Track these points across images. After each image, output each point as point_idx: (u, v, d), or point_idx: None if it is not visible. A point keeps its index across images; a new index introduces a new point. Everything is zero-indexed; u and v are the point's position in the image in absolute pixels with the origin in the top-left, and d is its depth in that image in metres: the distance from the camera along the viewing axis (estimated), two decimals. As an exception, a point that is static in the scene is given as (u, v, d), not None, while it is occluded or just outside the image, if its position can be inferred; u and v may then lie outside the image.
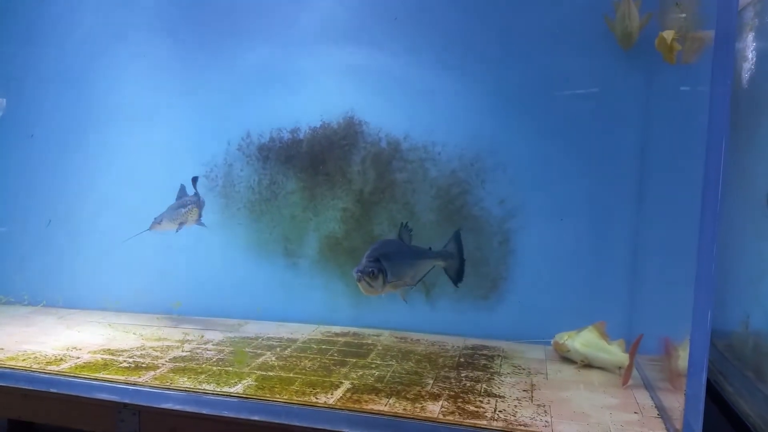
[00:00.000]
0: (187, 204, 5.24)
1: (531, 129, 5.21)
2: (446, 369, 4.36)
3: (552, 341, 4.85)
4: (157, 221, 5.23)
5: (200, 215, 5.32)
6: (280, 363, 4.35)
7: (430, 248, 4.56)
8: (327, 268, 5.61)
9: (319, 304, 5.59)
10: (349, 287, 5.57)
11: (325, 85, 5.58)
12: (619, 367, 4.28)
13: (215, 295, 5.80)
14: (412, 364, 4.45)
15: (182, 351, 4.64)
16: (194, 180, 5.35)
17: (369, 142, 5.50)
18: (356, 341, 5.05)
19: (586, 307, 5.04)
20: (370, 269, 3.41)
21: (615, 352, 4.31)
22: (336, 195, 5.55)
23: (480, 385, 4.01)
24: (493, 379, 4.16)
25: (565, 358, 4.65)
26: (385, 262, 3.73)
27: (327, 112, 5.57)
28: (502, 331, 5.22)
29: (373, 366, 4.36)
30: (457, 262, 4.59)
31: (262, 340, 5.01)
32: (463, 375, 4.22)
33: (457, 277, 4.63)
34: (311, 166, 5.60)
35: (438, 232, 5.38)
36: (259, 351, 4.66)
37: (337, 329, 5.40)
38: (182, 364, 4.29)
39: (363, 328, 5.45)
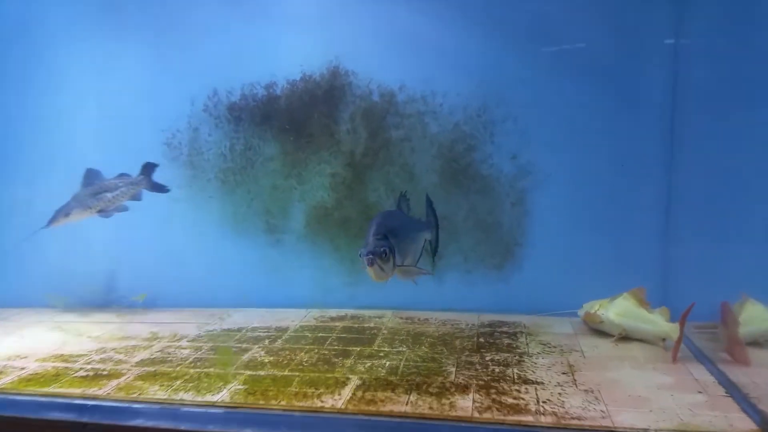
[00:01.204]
0: (111, 188, 4.50)
1: (545, 72, 4.67)
2: (467, 352, 3.87)
3: (580, 312, 4.40)
4: (64, 213, 4.37)
5: (135, 196, 4.59)
6: (272, 358, 3.80)
7: (424, 219, 4.01)
8: (316, 243, 5.04)
9: (310, 284, 5.04)
10: (342, 264, 5.03)
11: (305, 30, 4.92)
12: (664, 339, 3.84)
13: (187, 282, 5.19)
14: (426, 349, 3.95)
15: (151, 351, 4.04)
16: (149, 167, 4.61)
17: (358, 96, 4.89)
18: (356, 325, 4.52)
19: (613, 273, 4.61)
20: (383, 249, 2.85)
21: (658, 322, 3.87)
22: (323, 159, 4.95)
23: (511, 369, 3.53)
24: (524, 361, 3.69)
25: (598, 330, 4.21)
26: (393, 239, 3.17)
27: (308, 63, 4.93)
28: (521, 304, 4.76)
29: (382, 354, 3.84)
30: (434, 233, 4.03)
31: (247, 331, 4.43)
32: (488, 359, 3.74)
33: (433, 250, 4.05)
34: (292, 127, 4.98)
35: (441, 197, 4.85)
36: (244, 345, 4.09)
37: (332, 312, 4.86)
38: (152, 368, 3.70)
39: (361, 309, 4.93)
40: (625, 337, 4.04)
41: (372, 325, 4.55)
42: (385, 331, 4.37)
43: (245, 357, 3.83)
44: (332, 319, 4.72)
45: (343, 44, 4.85)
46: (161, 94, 5.09)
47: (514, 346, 3.99)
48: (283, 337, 4.24)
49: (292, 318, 4.71)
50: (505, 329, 4.39)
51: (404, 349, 3.94)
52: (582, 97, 4.56)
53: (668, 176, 4.47)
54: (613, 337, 4.06)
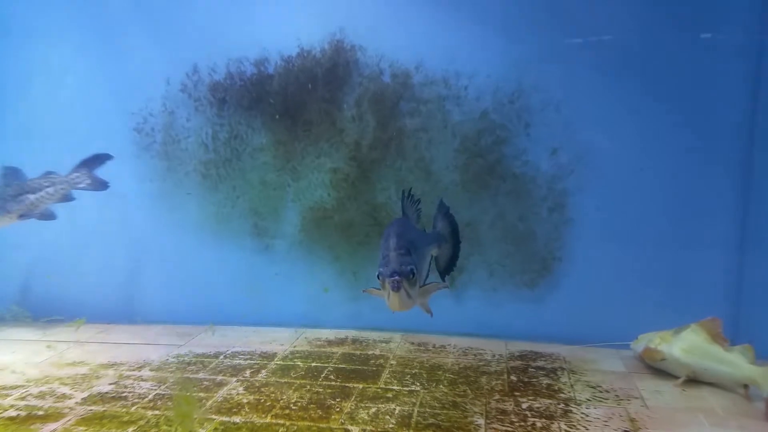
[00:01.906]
0: (34, 190, 3.80)
1: (595, 53, 3.95)
2: (497, 396, 3.17)
3: (634, 345, 3.70)
4: None
5: (65, 197, 3.90)
6: (252, 398, 3.10)
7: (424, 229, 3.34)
8: (313, 251, 4.36)
9: (304, 300, 4.37)
10: (343, 276, 4.35)
11: (303, -5, 4.24)
12: (746, 386, 3.12)
13: (158, 294, 4.51)
14: (445, 389, 3.25)
15: (105, 383, 3.35)
16: (92, 161, 3.92)
17: (366, 76, 4.20)
18: (359, 352, 3.83)
19: (674, 298, 3.95)
20: (410, 268, 2.47)
21: (739, 364, 3.17)
22: (322, 151, 4.26)
23: (557, 425, 2.83)
24: (571, 411, 2.98)
25: (656, 369, 3.50)
26: (415, 256, 2.65)
27: (306, 35, 4.26)
28: (558, 332, 4.08)
29: (390, 395, 3.14)
30: (450, 247, 3.40)
31: (225, 357, 3.74)
32: (524, 406, 3.03)
33: (448, 268, 3.43)
34: (287, 112, 4.28)
35: (464, 199, 4.16)
36: (219, 378, 3.40)
37: (329, 334, 4.17)
38: (101, 408, 3.02)
39: (365, 331, 4.25)
40: (692, 379, 3.32)
41: (377, 352, 3.86)
42: (393, 362, 3.67)
43: (219, 395, 3.14)
44: (329, 342, 4.02)
45: (348, 13, 4.17)
46: (131, 71, 4.43)
47: (556, 388, 3.28)
48: (269, 367, 3.55)
49: (282, 340, 4.02)
50: (540, 363, 3.68)
51: (418, 389, 3.25)
52: (644, 82, 3.84)
53: (748, 181, 3.74)
54: (678, 379, 3.35)
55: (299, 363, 3.63)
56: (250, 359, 3.70)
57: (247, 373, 3.46)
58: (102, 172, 3.96)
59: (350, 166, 4.27)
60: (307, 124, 4.28)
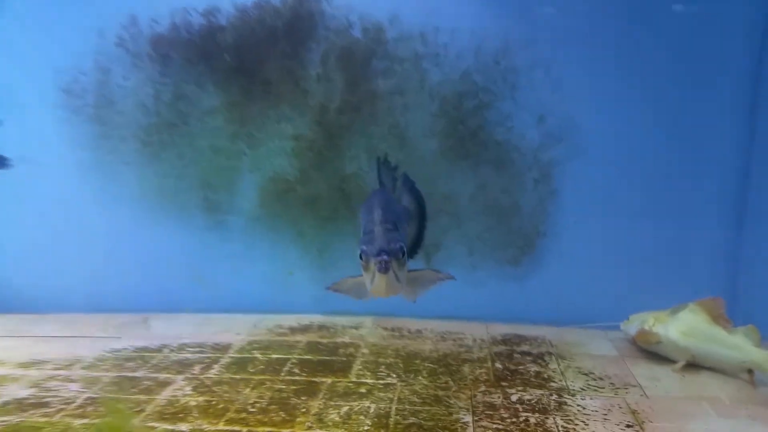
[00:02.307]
0: None
1: (589, 6, 3.64)
2: (483, 387, 2.91)
3: (624, 326, 3.49)
4: None
5: None
6: (202, 399, 2.75)
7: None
8: (274, 228, 4.00)
9: (263, 283, 4.02)
10: (308, 254, 3.99)
11: (260, -67, 3.78)
12: (750, 371, 2.93)
13: (94, 279, 4.06)
14: (425, 381, 2.96)
15: (24, 386, 2.93)
16: None
17: (333, 30, 3.81)
18: (326, 340, 3.50)
19: (668, 276, 3.77)
20: (399, 246, 2.18)
21: (743, 347, 2.99)
22: (283, 115, 3.88)
23: (552, 420, 2.58)
24: (566, 403, 2.74)
25: (649, 351, 3.28)
26: (402, 232, 2.38)
27: (264, -19, 3.78)
28: (542, 312, 3.87)
29: (364, 390, 2.84)
30: (415, 227, 3.01)
31: (171, 350, 3.36)
32: (514, 398, 2.77)
33: (411, 251, 2.96)
34: (241, 70, 3.84)
35: (442, 169, 3.84)
36: (163, 376, 3.02)
37: (292, 320, 3.83)
38: (16, 418, 2.59)
39: (332, 315, 3.92)
40: (690, 364, 3.12)
41: (347, 339, 3.54)
42: (365, 350, 3.36)
43: (162, 397, 2.77)
44: (293, 330, 3.67)
45: (313, -44, 3.72)
46: (58, 21, 3.88)
47: (546, 376, 3.04)
48: (223, 361, 3.18)
49: (238, 329, 3.65)
50: (525, 348, 3.43)
51: (394, 381, 2.95)
52: (643, 42, 3.56)
53: (748, 150, 3.53)
54: (675, 363, 3.14)
55: (258, 355, 3.28)
56: (201, 352, 3.33)
57: (197, 369, 3.09)
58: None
59: (315, 132, 3.89)
60: (266, 84, 3.86)
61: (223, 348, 3.39)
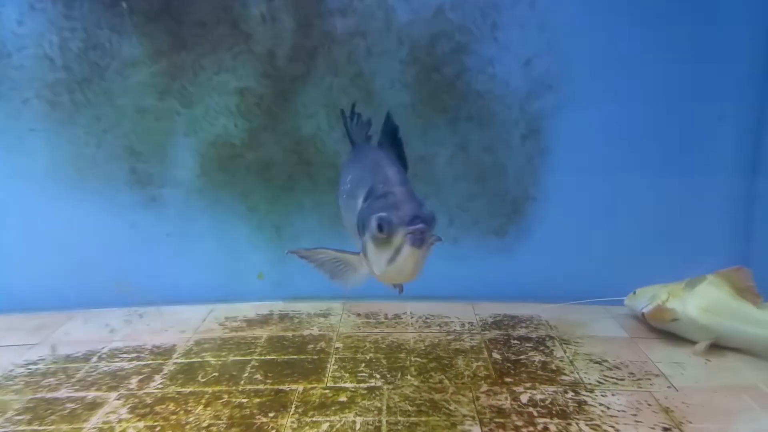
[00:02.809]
0: None
1: None
2: (485, 385, 2.51)
3: (630, 302, 3.12)
4: None
5: None
6: (142, 425, 2.21)
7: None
8: (219, 202, 3.43)
9: (210, 267, 3.44)
10: (263, 232, 3.46)
11: None
12: (785, 351, 2.62)
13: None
14: (415, 381, 2.52)
15: None
16: None
17: (281, -42, 3.16)
18: (290, 334, 3.01)
19: (672, 243, 3.43)
20: (433, 212, 1.81)
21: (776, 324, 2.62)
22: (224, 65, 3.30)
23: (575, 425, 2.16)
24: (585, 401, 2.36)
25: (662, 331, 2.93)
26: None
27: None
28: (533, 288, 3.49)
29: (344, 399, 2.39)
30: None
31: (100, 358, 2.78)
32: (524, 399, 2.38)
33: None
34: (168, 11, 3.17)
35: (415, 126, 3.34)
36: (91, 394, 2.46)
37: (248, 310, 3.30)
38: None
39: (294, 301, 3.40)
40: (714, 345, 2.79)
41: (315, 331, 3.04)
42: (338, 344, 2.87)
43: (90, 424, 2.19)
44: (250, 322, 3.14)
45: None
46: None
47: (554, 367, 2.64)
48: (166, 369, 2.63)
49: (182, 325, 3.09)
50: (522, 331, 3.03)
51: (379, 384, 2.49)
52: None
53: (763, 95, 3.15)
54: (692, 344, 2.79)
55: (210, 359, 2.73)
56: (138, 359, 2.75)
57: (134, 382, 2.52)
58: None
59: (263, 85, 3.31)
60: (199, 27, 3.23)
61: (166, 351, 2.82)
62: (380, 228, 1.77)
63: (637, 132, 3.36)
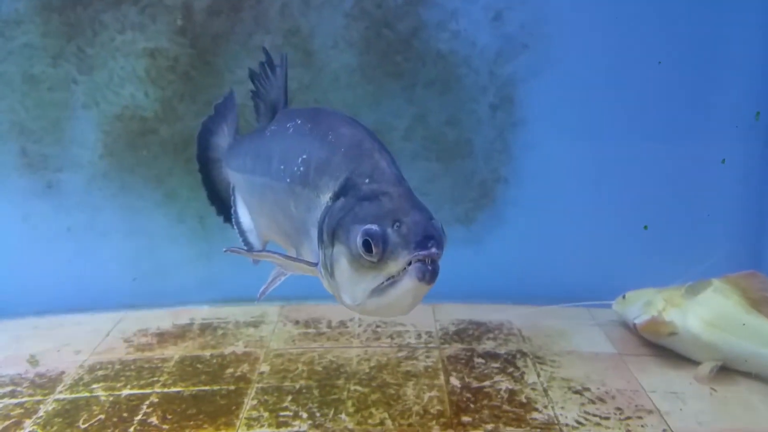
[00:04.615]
0: None
1: None
2: (436, 428, 1.95)
3: (620, 308, 2.57)
4: None
5: None
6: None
7: None
8: (128, 189, 2.89)
9: (119, 267, 2.82)
10: (183, 221, 2.90)
11: None
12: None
13: None
14: (350, 423, 2.04)
15: None
16: None
17: None
18: (208, 353, 2.50)
19: (669, 234, 2.87)
20: (442, 227, 1.35)
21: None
22: (128, 21, 2.73)
23: (546, 499, 1.63)
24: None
25: (658, 345, 2.39)
26: None
27: None
28: (504, 286, 2.92)
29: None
30: None
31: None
32: (485, 456, 1.81)
33: None
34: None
35: (366, 94, 2.71)
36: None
37: (164, 318, 2.81)
38: None
39: (222, 305, 2.85)
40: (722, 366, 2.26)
41: (240, 347, 2.50)
42: (265, 368, 2.33)
43: None
44: (162, 336, 2.60)
45: None
46: None
47: (524, 398, 2.14)
48: (42, 410, 2.10)
49: (80, 342, 2.54)
50: (489, 344, 2.51)
51: (304, 427, 1.97)
52: None
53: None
54: (694, 362, 2.27)
55: (100, 393, 2.18)
56: (12, 394, 2.20)
57: (-2, 428, 1.95)
58: None
59: (179, 45, 2.73)
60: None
61: (50, 383, 2.27)
62: (368, 247, 1.26)
63: (630, 100, 2.77)
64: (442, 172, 2.91)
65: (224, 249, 1.67)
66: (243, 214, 2.12)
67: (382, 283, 1.32)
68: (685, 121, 2.81)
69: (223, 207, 2.26)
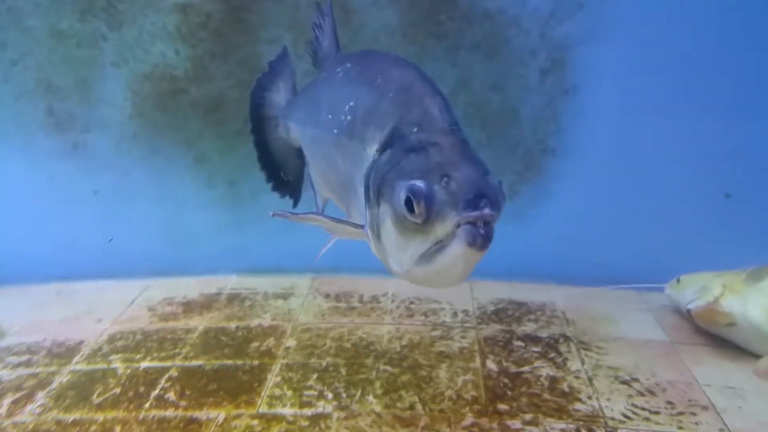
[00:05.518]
0: None
1: None
2: (469, 416, 1.91)
3: (673, 291, 2.39)
4: None
5: None
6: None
7: None
8: (158, 151, 2.81)
9: (148, 232, 2.77)
10: (215, 187, 2.78)
11: None
12: None
13: None
14: (378, 405, 1.97)
15: None
16: None
17: None
18: (234, 324, 2.44)
19: (738, 218, 2.62)
20: (499, 185, 1.17)
21: None
22: None
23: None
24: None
25: (714, 334, 2.19)
26: None
27: None
28: (548, 264, 2.75)
29: (277, 438, 1.73)
30: None
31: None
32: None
33: None
34: None
35: (406, 54, 2.51)
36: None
37: (192, 287, 2.77)
38: None
39: (251, 275, 2.76)
40: (781, 359, 2.06)
41: (267, 320, 2.40)
42: (291, 342, 2.23)
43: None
44: (188, 306, 2.53)
45: None
46: None
47: (566, 387, 1.99)
48: (56, 382, 2.04)
49: (103, 309, 2.50)
50: (530, 326, 2.36)
51: (329, 408, 1.85)
52: None
53: None
54: (755, 355, 2.07)
55: (118, 364, 2.11)
56: (27, 363, 2.15)
57: (5, 403, 1.90)
58: None
59: (211, 0, 2.50)
60: None
61: (67, 352, 2.21)
62: (411, 206, 1.12)
63: (694, 66, 2.51)
64: (486, 141, 2.73)
65: (271, 213, 1.54)
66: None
67: (430, 248, 1.17)
68: (754, 97, 2.55)
69: (275, 172, 2.11)
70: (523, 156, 2.74)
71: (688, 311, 2.31)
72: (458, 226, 1.12)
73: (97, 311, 2.49)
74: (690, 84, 2.53)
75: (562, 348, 2.26)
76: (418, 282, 1.29)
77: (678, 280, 2.44)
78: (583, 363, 2.16)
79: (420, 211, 1.13)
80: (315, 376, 2.09)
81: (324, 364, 2.16)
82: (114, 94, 2.72)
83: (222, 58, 2.72)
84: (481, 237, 1.11)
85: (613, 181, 2.65)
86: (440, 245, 1.15)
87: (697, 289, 2.32)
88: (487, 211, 1.11)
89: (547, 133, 2.71)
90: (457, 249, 1.13)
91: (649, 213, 2.65)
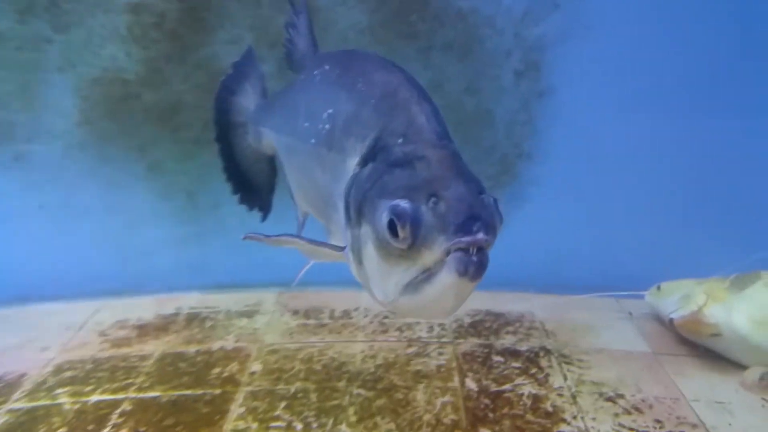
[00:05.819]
0: None
1: None
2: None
3: (654, 299, 2.32)
4: None
5: None
6: None
7: None
8: (109, 160, 2.63)
9: (97, 248, 2.56)
10: (171, 199, 2.63)
11: None
12: None
13: None
14: None
15: None
16: None
17: None
18: (193, 348, 2.29)
19: (721, 222, 2.56)
20: (496, 203, 1.07)
21: None
22: None
23: None
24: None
25: (692, 342, 2.14)
26: None
27: None
28: (524, 272, 2.64)
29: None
30: None
31: None
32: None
33: None
34: None
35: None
36: None
37: (148, 306, 2.58)
38: None
39: (213, 291, 2.59)
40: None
41: (230, 342, 2.25)
42: (257, 367, 2.09)
43: None
44: (142, 328, 2.37)
45: None
46: None
47: (549, 407, 1.93)
48: None
49: (50, 335, 2.29)
50: (509, 339, 2.28)
51: (298, 443, 1.69)
52: None
53: None
54: (739, 366, 2.01)
55: (64, 399, 1.94)
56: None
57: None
58: None
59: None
60: None
61: (7, 387, 2.02)
62: (395, 230, 1.01)
63: (673, 66, 2.44)
64: (459, 146, 2.60)
65: (242, 236, 1.38)
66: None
67: (417, 276, 1.05)
68: (732, 97, 2.50)
69: (242, 184, 1.95)
70: (499, 160, 2.66)
71: (671, 321, 2.23)
72: (448, 253, 1.00)
73: (43, 339, 2.29)
74: (667, 85, 2.46)
75: (543, 362, 2.17)
76: (404, 314, 1.17)
77: (658, 288, 2.37)
78: (565, 378, 2.07)
79: (405, 235, 1.01)
80: (283, 404, 1.94)
81: (292, 390, 2.01)
82: (60, 100, 2.53)
83: (178, 61, 2.55)
84: (474, 266, 0.99)
85: (590, 186, 2.58)
86: (428, 274, 1.03)
87: (679, 298, 2.25)
88: (480, 236, 0.99)
89: (523, 137, 2.63)
90: (447, 279, 1.01)
91: (626, 218, 2.58)
